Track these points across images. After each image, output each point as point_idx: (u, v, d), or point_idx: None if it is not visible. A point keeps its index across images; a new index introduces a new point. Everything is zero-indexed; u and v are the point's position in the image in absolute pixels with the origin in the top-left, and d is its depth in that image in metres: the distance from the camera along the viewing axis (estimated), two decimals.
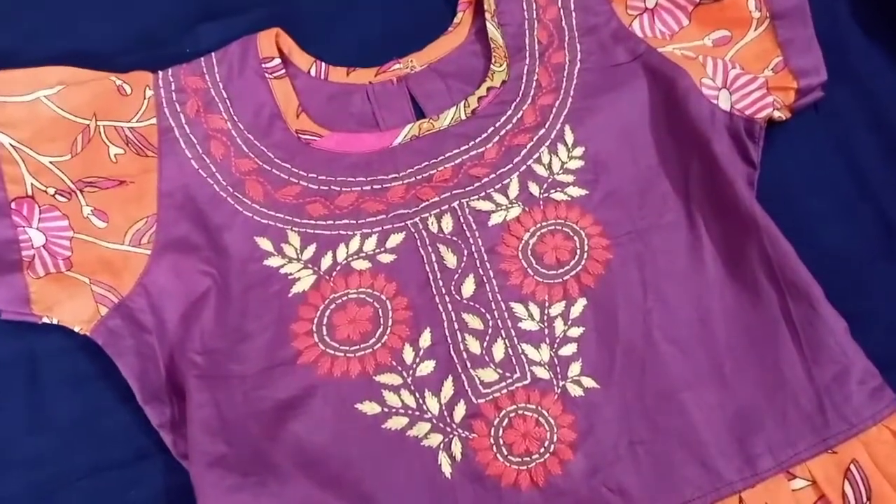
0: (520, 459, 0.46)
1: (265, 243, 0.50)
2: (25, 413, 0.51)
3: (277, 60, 0.55)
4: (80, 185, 0.51)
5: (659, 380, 0.47)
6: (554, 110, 0.53)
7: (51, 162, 0.51)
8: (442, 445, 0.47)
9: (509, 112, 0.53)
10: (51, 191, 0.51)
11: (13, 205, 0.50)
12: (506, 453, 0.47)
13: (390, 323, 0.49)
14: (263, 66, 0.54)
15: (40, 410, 0.51)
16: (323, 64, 0.56)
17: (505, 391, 0.47)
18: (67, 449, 0.50)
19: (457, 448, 0.47)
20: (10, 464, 0.50)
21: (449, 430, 0.47)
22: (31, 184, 0.51)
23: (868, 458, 0.46)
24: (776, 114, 0.53)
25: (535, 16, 0.55)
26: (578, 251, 0.50)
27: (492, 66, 0.55)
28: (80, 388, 0.51)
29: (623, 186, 0.51)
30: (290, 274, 0.50)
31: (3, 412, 0.51)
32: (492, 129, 0.53)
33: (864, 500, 0.45)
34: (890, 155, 0.55)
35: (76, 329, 0.50)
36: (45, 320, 0.50)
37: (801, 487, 0.46)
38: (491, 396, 0.47)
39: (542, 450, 0.47)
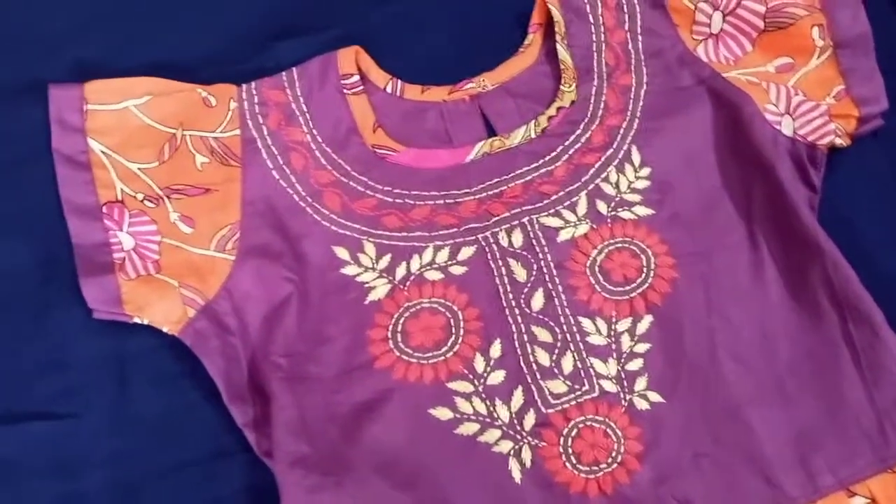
0: (588, 468, 0.48)
1: (342, 252, 0.52)
2: (114, 409, 0.52)
3: (356, 77, 0.56)
4: (168, 191, 0.53)
5: (723, 396, 0.49)
6: (621, 131, 0.55)
7: (139, 169, 0.53)
8: (512, 452, 0.48)
9: (578, 132, 0.55)
10: (140, 196, 0.53)
11: (104, 209, 0.53)
12: (574, 462, 0.48)
13: (462, 332, 0.51)
14: (342, 82, 0.56)
15: (128, 407, 0.52)
16: (399, 82, 0.57)
17: (574, 402, 0.49)
18: (153, 445, 0.52)
19: (526, 455, 0.48)
20: (100, 459, 0.52)
21: (519, 437, 0.49)
22: (121, 189, 0.53)
23: None
24: (837, 141, 0.54)
25: (602, 39, 0.57)
26: (645, 269, 0.52)
27: (561, 86, 0.56)
28: (167, 386, 0.53)
29: (687, 207, 0.53)
30: (366, 282, 0.52)
31: (93, 409, 0.52)
32: (561, 147, 0.55)
33: None
34: None
35: (165, 329, 0.52)
36: (136, 320, 0.52)
37: None
38: (560, 407, 0.49)
39: (610, 460, 0.48)
